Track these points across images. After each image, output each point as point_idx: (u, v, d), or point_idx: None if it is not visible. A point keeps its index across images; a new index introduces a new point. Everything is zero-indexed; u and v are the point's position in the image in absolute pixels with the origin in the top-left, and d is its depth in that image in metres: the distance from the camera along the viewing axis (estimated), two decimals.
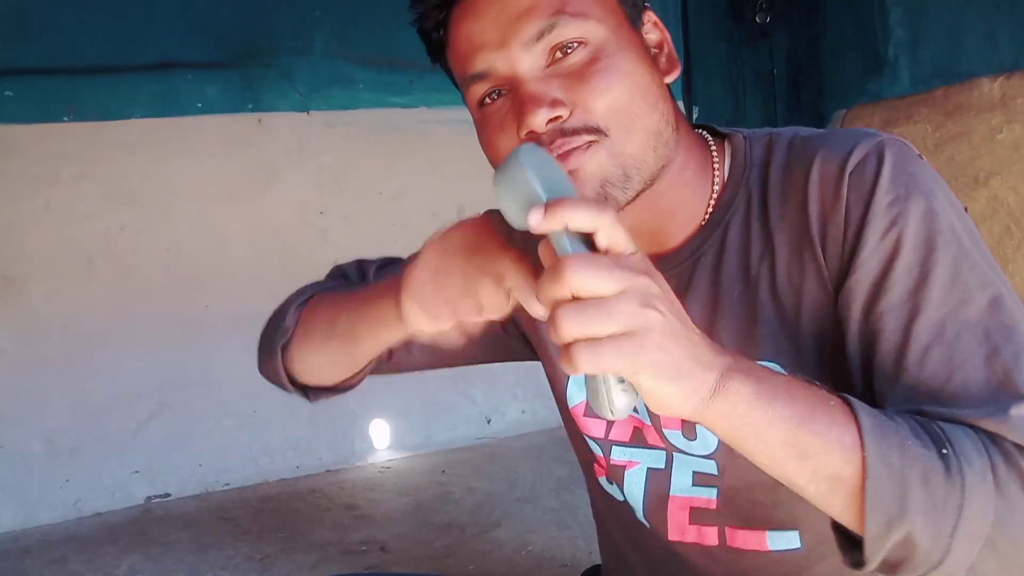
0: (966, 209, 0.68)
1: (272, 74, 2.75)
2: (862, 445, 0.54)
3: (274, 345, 0.89)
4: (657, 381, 0.51)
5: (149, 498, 2.61)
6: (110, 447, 2.56)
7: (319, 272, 1.00)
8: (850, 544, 0.58)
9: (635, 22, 0.72)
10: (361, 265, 1.00)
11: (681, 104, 0.76)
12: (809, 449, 0.55)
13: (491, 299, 0.64)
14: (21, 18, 2.44)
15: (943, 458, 0.55)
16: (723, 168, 0.77)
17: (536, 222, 0.51)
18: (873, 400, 0.65)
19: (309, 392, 0.93)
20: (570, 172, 0.68)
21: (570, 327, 0.49)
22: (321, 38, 2.81)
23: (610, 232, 0.52)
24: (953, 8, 2.57)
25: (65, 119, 2.51)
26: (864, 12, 2.89)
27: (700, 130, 0.80)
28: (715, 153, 0.78)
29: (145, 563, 2.15)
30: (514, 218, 0.56)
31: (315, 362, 0.88)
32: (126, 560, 2.17)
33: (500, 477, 2.61)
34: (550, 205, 0.51)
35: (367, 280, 0.95)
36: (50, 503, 2.49)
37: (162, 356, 2.61)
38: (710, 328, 0.74)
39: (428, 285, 0.67)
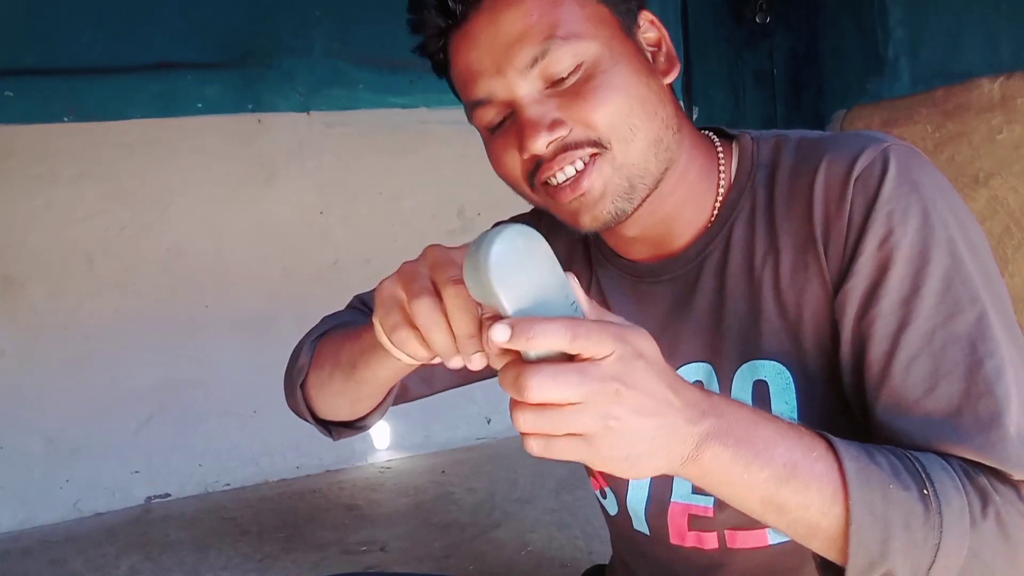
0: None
1: (272, 74, 2.75)
2: (846, 494, 0.57)
3: (294, 383, 0.89)
4: (611, 470, 0.52)
5: (149, 498, 2.61)
6: (110, 447, 2.56)
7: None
8: (829, 564, 0.61)
9: (629, 29, 0.73)
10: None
11: (681, 105, 0.77)
12: (786, 505, 0.57)
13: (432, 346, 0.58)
14: (21, 18, 2.44)
15: (923, 499, 0.57)
16: (730, 169, 0.77)
17: (500, 341, 0.48)
18: (863, 402, 0.66)
19: (332, 429, 0.91)
20: (580, 196, 0.70)
21: (525, 424, 0.50)
22: (321, 38, 2.81)
23: (581, 344, 0.48)
24: (953, 8, 2.57)
25: (65, 119, 2.51)
26: (864, 12, 2.88)
27: (708, 132, 0.80)
28: (721, 154, 0.78)
29: (145, 563, 2.15)
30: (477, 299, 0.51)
31: (328, 398, 0.86)
32: (126, 560, 2.17)
33: (500, 477, 2.61)
34: (516, 326, 0.48)
35: None
36: (50, 503, 2.49)
37: (162, 356, 2.61)
38: (715, 328, 0.75)
39: (384, 319, 0.61)
